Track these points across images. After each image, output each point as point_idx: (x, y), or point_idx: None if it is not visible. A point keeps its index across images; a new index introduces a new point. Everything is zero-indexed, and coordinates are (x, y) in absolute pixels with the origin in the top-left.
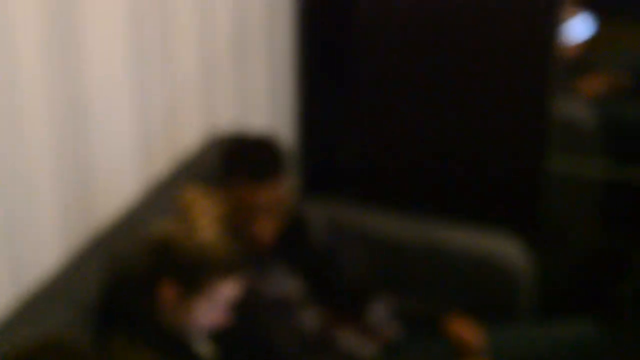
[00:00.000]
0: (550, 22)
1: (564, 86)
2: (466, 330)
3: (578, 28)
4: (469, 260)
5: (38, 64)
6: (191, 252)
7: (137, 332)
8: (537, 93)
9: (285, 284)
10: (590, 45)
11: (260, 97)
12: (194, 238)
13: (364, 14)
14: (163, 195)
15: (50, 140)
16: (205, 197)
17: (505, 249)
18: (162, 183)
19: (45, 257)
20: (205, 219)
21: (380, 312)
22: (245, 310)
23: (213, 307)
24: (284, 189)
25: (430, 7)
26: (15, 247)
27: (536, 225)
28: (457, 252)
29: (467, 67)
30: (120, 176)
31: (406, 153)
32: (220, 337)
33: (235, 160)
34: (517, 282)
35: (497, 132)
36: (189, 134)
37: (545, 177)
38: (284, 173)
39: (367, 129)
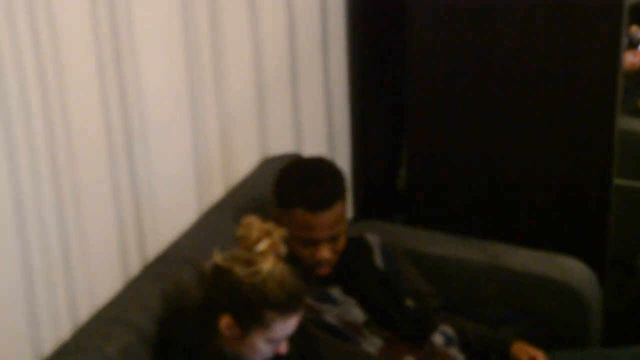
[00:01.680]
0: (617, 34)
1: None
2: (532, 356)
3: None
4: (535, 283)
5: (94, 87)
6: (251, 290)
7: (195, 359)
8: (603, 110)
9: (346, 310)
10: None
11: (314, 123)
12: (254, 271)
13: (417, 35)
14: (218, 220)
15: (105, 166)
16: (264, 227)
17: (573, 272)
18: (217, 207)
19: (101, 286)
20: (265, 250)
21: (443, 338)
22: (304, 335)
23: (273, 342)
24: (342, 213)
25: (487, 29)
26: (73, 277)
27: (603, 250)
28: (523, 274)
29: (529, 84)
30: (175, 202)
31: (465, 176)
32: None
33: (292, 187)
34: (585, 307)
35: (561, 151)
36: (244, 157)
37: (612, 199)
38: (343, 197)
39: (423, 151)
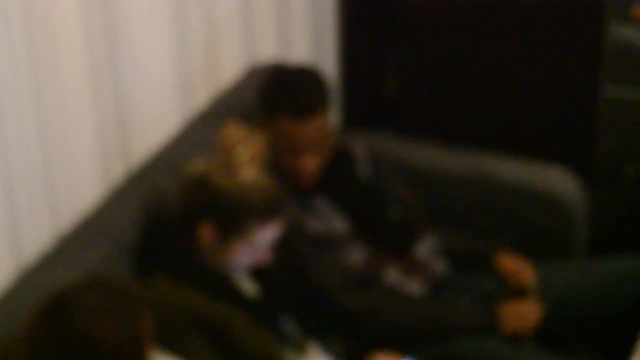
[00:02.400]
0: None
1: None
2: (516, 267)
3: None
4: (521, 193)
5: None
6: (230, 195)
7: (178, 269)
8: (592, 18)
9: (330, 220)
10: None
11: (301, 29)
12: (234, 179)
13: None
14: (202, 129)
15: (86, 74)
16: (245, 134)
17: (559, 182)
18: (201, 116)
19: (84, 194)
20: (245, 158)
21: (427, 248)
22: (288, 246)
23: (253, 249)
24: (327, 123)
25: None
26: (54, 184)
27: (590, 159)
28: (509, 184)
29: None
30: (159, 109)
31: (452, 84)
32: (262, 274)
33: (277, 94)
34: (571, 217)
35: (549, 60)
36: (228, 66)
37: (600, 107)
38: (328, 107)
39: (411, 59)
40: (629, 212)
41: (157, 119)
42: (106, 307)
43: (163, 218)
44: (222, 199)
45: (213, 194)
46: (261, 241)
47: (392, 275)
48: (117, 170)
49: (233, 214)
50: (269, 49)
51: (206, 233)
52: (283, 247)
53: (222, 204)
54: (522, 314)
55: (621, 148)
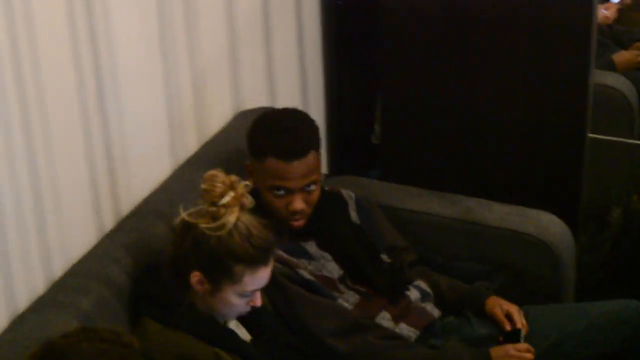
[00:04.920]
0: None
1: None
2: (506, 311)
3: None
4: (510, 238)
5: (65, 40)
6: (218, 244)
7: (169, 314)
8: (578, 64)
9: (323, 265)
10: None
11: (288, 74)
12: (222, 229)
13: None
14: (192, 174)
15: (78, 121)
16: (230, 181)
17: (548, 227)
18: (191, 161)
19: (76, 240)
20: (231, 205)
21: (418, 293)
22: (278, 291)
23: (244, 296)
24: (315, 166)
25: None
26: (46, 230)
27: (577, 204)
28: (497, 229)
29: (503, 38)
30: (148, 155)
31: (439, 130)
32: (254, 319)
33: (265, 138)
34: (560, 262)
35: (535, 106)
36: (217, 111)
37: (586, 153)
38: (317, 147)
39: (397, 106)
40: (615, 257)
41: (147, 164)
42: (100, 355)
43: (156, 265)
44: (209, 247)
45: (200, 241)
46: (252, 288)
47: (385, 319)
48: (109, 217)
49: (222, 263)
50: (256, 96)
51: (197, 281)
52: (272, 288)
53: (210, 252)
54: (515, 357)
55: (607, 192)
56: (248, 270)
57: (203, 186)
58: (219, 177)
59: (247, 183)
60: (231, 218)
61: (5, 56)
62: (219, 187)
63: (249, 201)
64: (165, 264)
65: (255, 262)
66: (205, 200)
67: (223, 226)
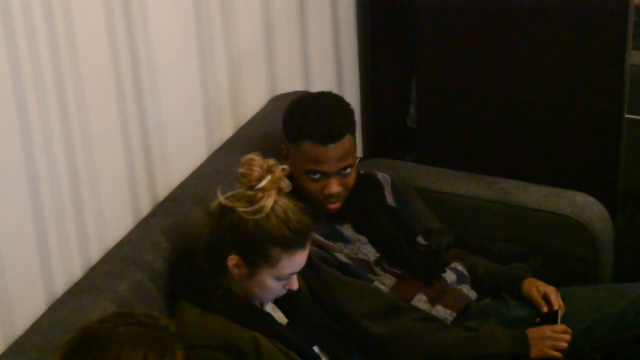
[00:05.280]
0: None
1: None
2: (544, 292)
3: None
4: (548, 219)
5: (102, 30)
6: (255, 228)
7: (207, 298)
8: (615, 45)
9: (359, 248)
10: None
11: (323, 58)
12: (259, 212)
13: None
14: (228, 158)
15: (115, 108)
16: (267, 165)
17: (585, 208)
18: (226, 146)
19: (113, 226)
20: (268, 189)
21: (455, 275)
22: (315, 274)
23: (281, 279)
24: (351, 149)
25: None
26: (84, 216)
27: (614, 185)
28: (535, 211)
29: (541, 20)
30: (185, 141)
31: (474, 112)
32: (290, 302)
33: (300, 122)
34: (598, 243)
35: (572, 87)
36: (253, 97)
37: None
38: (352, 130)
39: (433, 88)
40: None
41: (183, 149)
42: (137, 339)
43: (193, 249)
44: (247, 230)
45: (238, 225)
46: (289, 271)
47: (421, 302)
48: (145, 203)
49: (260, 247)
50: (292, 81)
51: (234, 264)
52: (309, 271)
53: (247, 236)
54: (552, 338)
55: None
56: (285, 253)
57: (241, 170)
58: (257, 160)
59: (285, 167)
60: (268, 202)
61: (44, 45)
62: (257, 171)
63: (286, 184)
64: (202, 248)
65: (292, 245)
66: (243, 184)
67: (261, 210)
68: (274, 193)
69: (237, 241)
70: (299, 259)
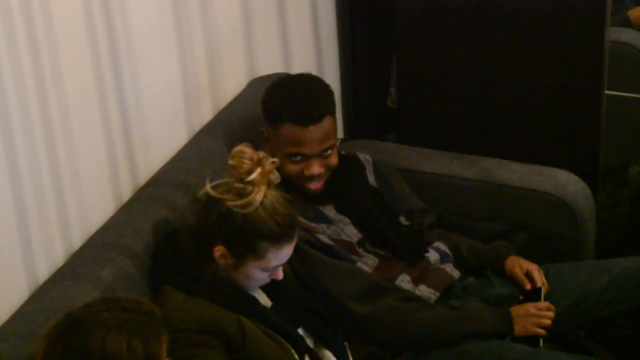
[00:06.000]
0: None
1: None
2: (526, 270)
3: None
4: (529, 197)
5: (79, 13)
6: (243, 221)
7: (192, 282)
8: (594, 21)
9: (341, 229)
10: None
11: (302, 41)
12: (247, 206)
13: None
14: (207, 142)
15: (94, 92)
16: (257, 157)
17: (567, 185)
18: (206, 129)
19: (94, 211)
20: (260, 184)
21: (437, 254)
22: (299, 256)
23: (265, 270)
24: (331, 130)
25: None
26: (65, 202)
27: (595, 162)
28: (516, 188)
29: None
30: (164, 124)
31: (455, 91)
32: (274, 285)
33: (280, 104)
34: (580, 219)
35: (551, 64)
36: (232, 79)
37: (603, 110)
38: (331, 111)
39: (413, 67)
40: (635, 213)
41: (163, 133)
42: (121, 324)
43: (176, 234)
44: (235, 223)
45: (226, 217)
46: (275, 263)
47: (404, 282)
48: (126, 187)
49: (247, 240)
50: (271, 63)
51: (220, 255)
52: (293, 254)
53: (235, 228)
54: (535, 315)
55: (625, 149)
56: (272, 247)
57: (230, 162)
58: (247, 153)
59: (275, 159)
60: (258, 196)
61: (21, 30)
62: (247, 164)
63: (275, 177)
64: (185, 233)
65: (279, 239)
66: (232, 175)
67: (249, 203)
68: (263, 187)
69: (224, 233)
70: (286, 252)
